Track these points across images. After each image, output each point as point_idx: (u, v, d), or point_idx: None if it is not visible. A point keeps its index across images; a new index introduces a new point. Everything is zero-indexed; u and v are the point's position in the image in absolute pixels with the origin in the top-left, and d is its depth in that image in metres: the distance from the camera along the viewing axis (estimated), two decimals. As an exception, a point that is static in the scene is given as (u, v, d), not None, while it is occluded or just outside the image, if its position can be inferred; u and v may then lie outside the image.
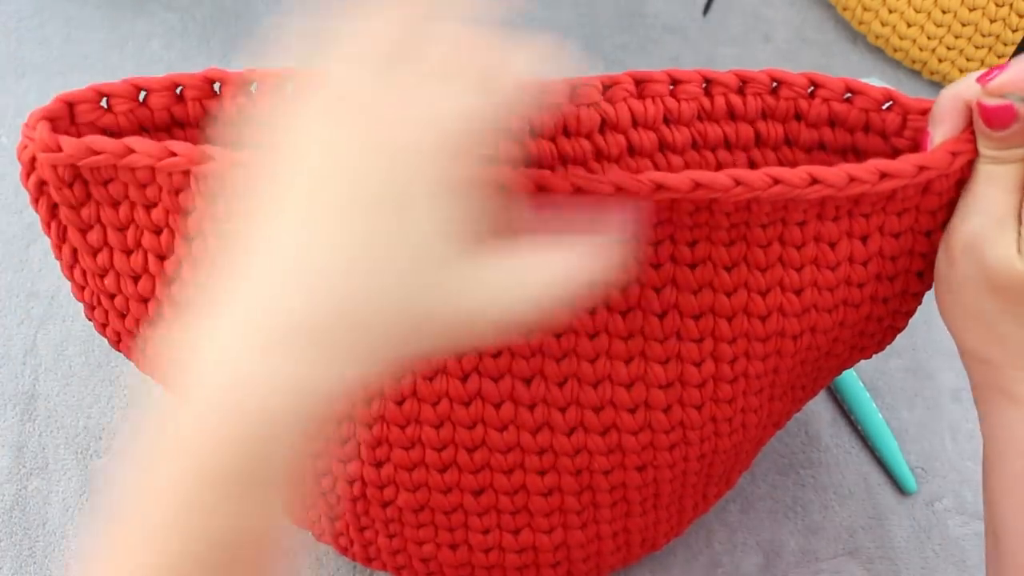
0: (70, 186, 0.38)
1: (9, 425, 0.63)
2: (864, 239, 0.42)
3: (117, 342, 0.46)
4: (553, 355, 0.43)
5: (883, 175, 0.38)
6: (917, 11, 0.77)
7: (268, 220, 0.31)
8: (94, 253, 0.40)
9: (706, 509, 0.58)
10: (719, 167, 0.43)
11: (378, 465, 0.47)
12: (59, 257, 0.42)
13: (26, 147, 0.37)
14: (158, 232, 0.39)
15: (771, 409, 0.49)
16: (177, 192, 0.37)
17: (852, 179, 0.37)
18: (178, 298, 0.38)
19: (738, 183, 0.37)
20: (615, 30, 0.84)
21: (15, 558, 0.58)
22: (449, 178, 0.30)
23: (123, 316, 0.43)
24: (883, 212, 0.41)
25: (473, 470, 0.47)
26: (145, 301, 0.42)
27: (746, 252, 0.41)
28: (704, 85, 0.42)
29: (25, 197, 0.39)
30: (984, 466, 0.44)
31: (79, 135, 0.38)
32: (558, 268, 0.32)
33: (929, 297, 0.46)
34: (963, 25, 0.75)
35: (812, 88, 0.42)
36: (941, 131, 0.39)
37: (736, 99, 0.42)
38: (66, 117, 0.38)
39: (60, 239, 0.41)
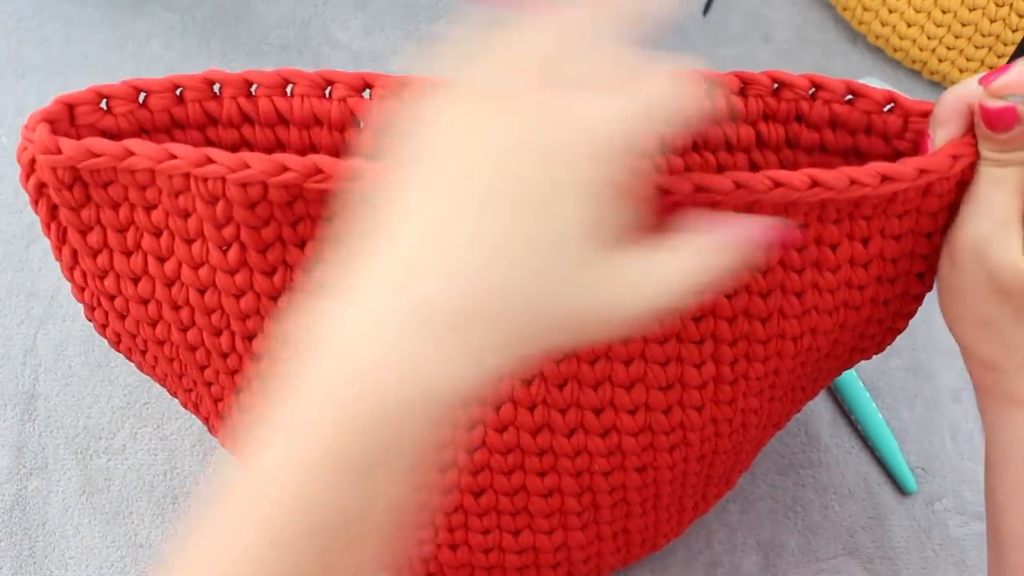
0: (70, 188, 0.38)
1: (9, 425, 0.63)
2: (865, 241, 0.42)
3: (117, 343, 0.46)
4: (552, 357, 0.43)
5: (884, 178, 0.38)
6: (917, 11, 0.77)
7: (410, 209, 0.31)
8: (94, 255, 0.40)
9: (706, 509, 0.58)
10: (720, 169, 0.43)
11: (378, 466, 0.47)
12: (59, 258, 0.42)
13: (26, 149, 0.37)
14: (158, 234, 0.39)
15: (771, 410, 0.49)
16: (177, 195, 0.37)
17: (853, 182, 0.37)
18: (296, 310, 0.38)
19: (739, 186, 0.37)
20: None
21: (15, 558, 0.58)
22: (595, 180, 0.31)
23: (123, 317, 0.43)
24: (884, 214, 0.41)
25: (473, 471, 0.47)
26: (145, 303, 0.42)
27: (747, 254, 0.41)
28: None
29: (25, 197, 0.39)
30: (987, 472, 0.44)
31: (79, 137, 0.38)
32: (683, 265, 0.33)
33: (929, 297, 0.46)
34: (963, 25, 0.75)
35: (813, 90, 0.42)
36: (943, 133, 0.39)
37: (737, 101, 0.42)
38: (66, 119, 0.38)
39: (60, 241, 0.41)
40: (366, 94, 0.39)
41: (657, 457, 0.47)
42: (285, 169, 0.35)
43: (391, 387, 0.29)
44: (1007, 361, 0.41)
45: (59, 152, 0.36)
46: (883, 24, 0.79)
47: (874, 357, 0.50)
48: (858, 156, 0.43)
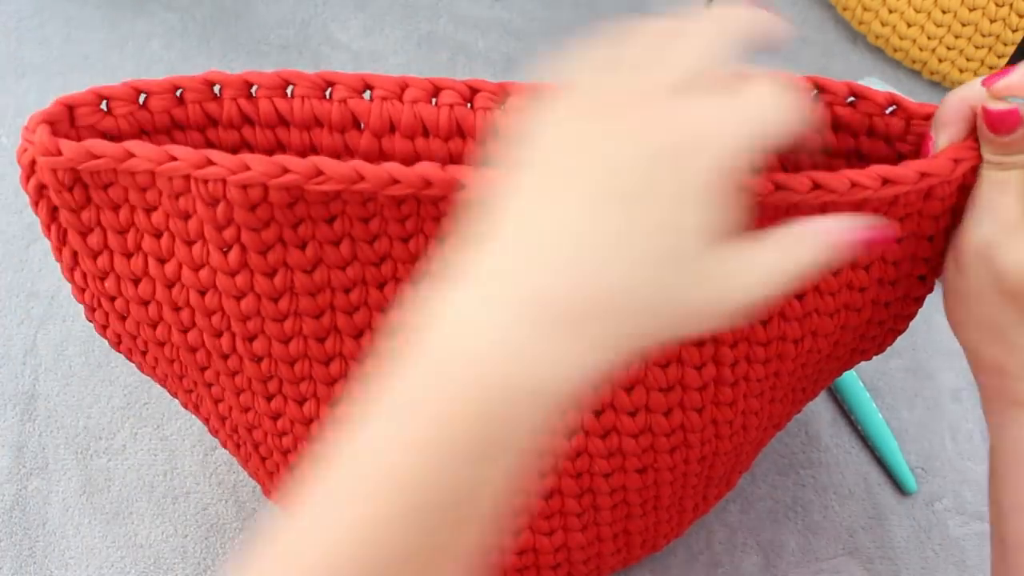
0: (70, 190, 0.38)
1: (9, 425, 0.63)
2: None
3: (118, 344, 0.46)
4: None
5: (885, 181, 0.38)
6: (917, 11, 0.77)
7: (529, 207, 0.32)
8: (94, 256, 0.40)
9: (706, 510, 0.58)
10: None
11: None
12: (59, 260, 0.42)
13: (26, 150, 0.37)
14: (158, 236, 0.39)
15: (771, 411, 0.49)
16: (177, 196, 0.37)
17: (854, 184, 0.37)
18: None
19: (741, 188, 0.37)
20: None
21: (15, 558, 0.58)
22: (713, 181, 0.31)
23: (123, 319, 0.43)
24: (885, 217, 0.41)
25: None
26: (145, 304, 0.42)
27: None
28: None
29: (25, 197, 0.39)
30: (991, 476, 0.43)
31: (79, 138, 0.37)
32: (780, 258, 0.33)
33: (929, 298, 0.46)
34: (963, 25, 0.75)
35: (815, 92, 0.42)
36: (945, 135, 0.39)
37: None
38: (66, 120, 0.38)
39: (60, 242, 0.41)
40: (367, 95, 0.39)
41: (657, 458, 0.47)
42: (286, 171, 0.35)
43: (504, 376, 0.30)
44: (1013, 364, 0.40)
45: (59, 154, 0.36)
46: (883, 24, 0.79)
47: (874, 357, 0.50)
48: (861, 158, 0.43)
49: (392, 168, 0.36)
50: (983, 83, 0.38)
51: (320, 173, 0.35)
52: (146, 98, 0.39)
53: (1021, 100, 0.37)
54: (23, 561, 0.58)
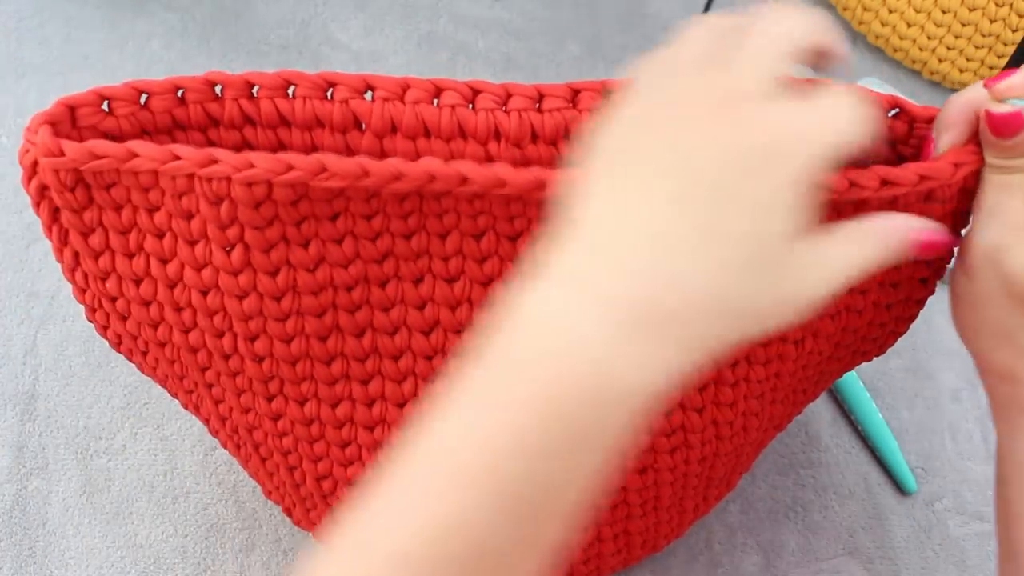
0: (72, 190, 0.38)
1: (9, 425, 0.63)
2: None
3: (118, 344, 0.46)
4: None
5: (884, 182, 0.38)
6: (917, 11, 0.77)
7: (609, 203, 0.32)
8: (96, 256, 0.40)
9: (706, 511, 0.58)
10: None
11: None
12: (60, 260, 0.42)
13: (28, 151, 0.37)
14: (160, 236, 0.39)
15: (772, 412, 0.49)
16: (180, 196, 0.37)
17: (853, 185, 0.37)
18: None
19: None
20: (615, 30, 0.84)
21: (15, 558, 0.58)
22: (800, 182, 0.32)
23: (124, 319, 0.43)
24: None
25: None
26: (147, 304, 0.42)
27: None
28: None
29: (25, 197, 0.39)
30: (999, 485, 0.43)
31: (81, 139, 0.37)
32: (848, 252, 0.34)
33: (929, 299, 0.46)
34: (963, 25, 0.75)
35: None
36: (947, 138, 0.39)
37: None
38: (67, 121, 0.38)
39: (61, 242, 0.40)
40: (368, 96, 0.39)
41: (658, 459, 0.47)
42: (290, 168, 0.35)
43: (585, 377, 0.31)
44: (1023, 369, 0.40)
45: (62, 154, 0.36)
46: (883, 24, 0.79)
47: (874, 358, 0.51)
48: (862, 161, 0.43)
49: (397, 164, 0.36)
50: (984, 85, 0.38)
51: (325, 169, 0.36)
52: (147, 98, 0.39)
53: (1023, 102, 0.37)
54: (23, 561, 0.58)
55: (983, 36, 0.75)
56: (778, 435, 0.60)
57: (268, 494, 0.55)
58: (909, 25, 0.78)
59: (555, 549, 0.32)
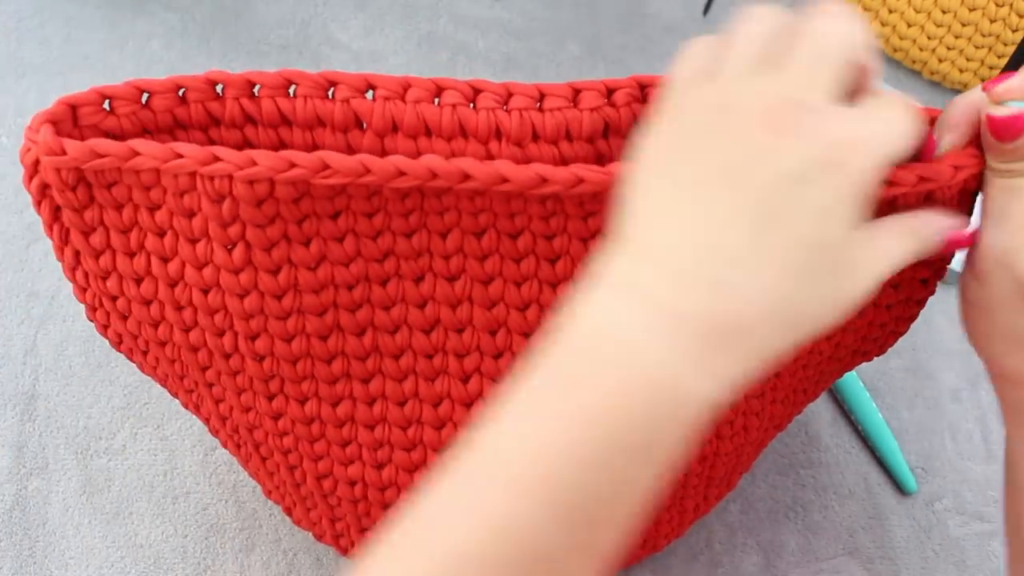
0: (73, 189, 0.38)
1: (9, 425, 0.63)
2: None
3: (119, 343, 0.46)
4: None
5: (884, 182, 0.38)
6: (917, 11, 0.77)
7: (671, 211, 0.33)
8: (96, 255, 0.40)
9: (707, 510, 0.58)
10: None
11: (379, 467, 0.47)
12: (61, 259, 0.42)
13: (29, 150, 0.37)
14: (161, 234, 0.39)
15: (772, 412, 0.49)
16: (182, 194, 0.37)
17: None
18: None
19: None
20: (615, 30, 0.84)
21: (15, 558, 0.58)
22: (855, 195, 0.32)
23: (125, 318, 0.43)
24: None
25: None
26: (147, 303, 0.42)
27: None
28: None
29: (25, 197, 0.39)
30: (1009, 490, 0.42)
31: (82, 138, 0.37)
32: (898, 246, 0.35)
33: (929, 299, 0.46)
34: (963, 25, 0.75)
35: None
36: (949, 138, 0.38)
37: None
38: (69, 120, 0.38)
39: (62, 241, 0.40)
40: (369, 95, 0.39)
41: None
42: (292, 165, 0.35)
43: (648, 387, 0.31)
44: None
45: (63, 153, 0.36)
46: (883, 24, 0.79)
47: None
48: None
49: (398, 161, 0.36)
50: (983, 88, 0.38)
51: (327, 167, 0.36)
52: (149, 97, 0.39)
53: (1023, 104, 0.37)
54: (23, 561, 0.58)
55: (983, 36, 0.75)
56: (778, 435, 0.60)
57: (268, 493, 0.55)
58: (909, 25, 0.78)
59: (610, 556, 0.33)
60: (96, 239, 0.40)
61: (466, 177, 0.36)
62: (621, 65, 0.82)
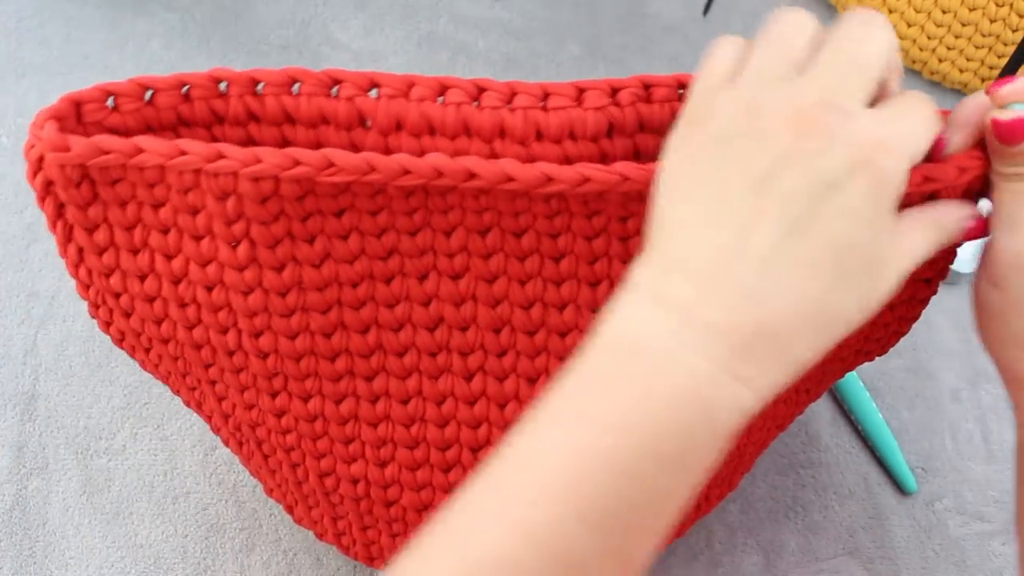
0: (77, 186, 0.38)
1: (9, 425, 0.63)
2: None
3: (120, 340, 0.46)
4: (558, 354, 0.43)
5: None
6: (917, 11, 0.77)
7: (698, 220, 0.33)
8: (100, 252, 0.40)
9: (708, 510, 0.58)
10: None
11: (382, 465, 0.47)
12: (64, 256, 0.41)
13: (33, 146, 0.37)
14: (165, 231, 0.39)
15: (774, 412, 0.49)
16: (187, 191, 0.37)
17: None
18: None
19: None
20: (615, 30, 0.84)
21: (15, 558, 0.58)
22: (886, 196, 0.32)
23: (128, 315, 0.43)
24: None
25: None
26: (151, 300, 0.42)
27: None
28: None
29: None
30: (1020, 494, 0.42)
31: (86, 134, 0.37)
32: (922, 239, 0.35)
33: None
34: (963, 25, 0.75)
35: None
36: (958, 139, 0.38)
37: None
38: (73, 116, 0.38)
39: (66, 238, 0.40)
40: (373, 93, 0.39)
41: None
42: (297, 163, 0.35)
43: (679, 396, 0.31)
44: None
45: (68, 150, 0.36)
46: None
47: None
48: None
49: (403, 159, 0.36)
50: (987, 92, 0.38)
51: (332, 165, 0.36)
52: (152, 95, 0.39)
53: None
54: (23, 561, 0.58)
55: (983, 36, 0.75)
56: (778, 435, 0.60)
57: (269, 492, 0.55)
58: (909, 25, 0.78)
59: (643, 563, 0.33)
60: (100, 236, 0.40)
61: (471, 176, 0.36)
62: (621, 65, 0.82)
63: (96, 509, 0.60)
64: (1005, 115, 0.37)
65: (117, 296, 0.42)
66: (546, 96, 0.39)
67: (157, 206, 0.38)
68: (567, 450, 0.31)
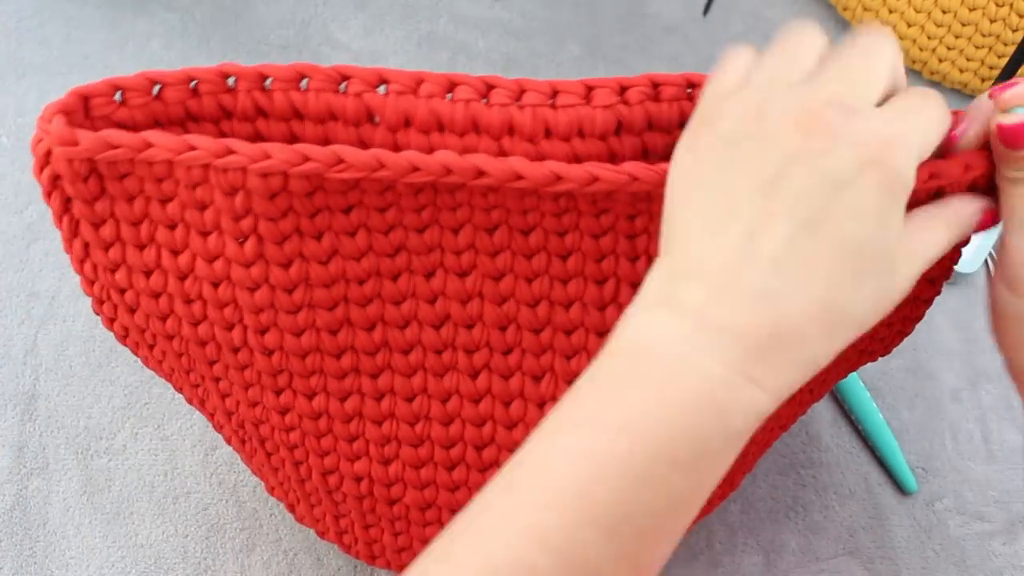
0: (85, 180, 0.38)
1: (9, 425, 0.62)
2: None
3: (124, 337, 0.45)
4: (563, 352, 0.43)
5: None
6: (917, 11, 0.77)
7: (710, 224, 0.33)
8: (106, 247, 0.40)
9: (709, 510, 0.58)
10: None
11: (386, 463, 0.47)
12: (69, 251, 0.41)
13: (41, 140, 0.37)
14: (172, 227, 0.39)
15: (779, 412, 0.49)
16: (195, 186, 0.37)
17: None
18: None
19: None
20: (615, 30, 0.84)
21: (15, 558, 0.58)
22: (895, 196, 0.32)
23: (133, 311, 0.43)
24: None
25: (481, 468, 0.47)
26: (156, 296, 0.42)
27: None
28: None
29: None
30: None
31: (94, 129, 0.37)
32: (935, 236, 0.35)
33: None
34: (963, 25, 0.75)
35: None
36: (971, 134, 0.38)
37: None
38: (80, 111, 0.38)
39: (72, 233, 0.40)
40: (381, 89, 0.39)
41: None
42: (306, 159, 0.35)
43: (694, 400, 0.31)
44: None
45: (76, 143, 0.36)
46: (883, 24, 0.79)
47: (877, 358, 0.51)
48: None
49: (413, 156, 0.36)
50: (989, 95, 0.37)
51: (341, 161, 0.36)
52: (161, 89, 0.39)
53: None
54: (23, 561, 0.58)
55: (983, 36, 0.76)
56: (780, 435, 0.60)
57: (271, 490, 0.55)
58: (909, 25, 0.78)
59: (657, 567, 0.33)
60: (106, 231, 0.40)
61: (481, 173, 0.36)
62: (621, 65, 0.82)
63: (96, 509, 0.60)
64: (1009, 119, 0.36)
65: (122, 292, 0.42)
66: (555, 94, 0.39)
67: (165, 201, 0.38)
68: (581, 455, 0.31)
